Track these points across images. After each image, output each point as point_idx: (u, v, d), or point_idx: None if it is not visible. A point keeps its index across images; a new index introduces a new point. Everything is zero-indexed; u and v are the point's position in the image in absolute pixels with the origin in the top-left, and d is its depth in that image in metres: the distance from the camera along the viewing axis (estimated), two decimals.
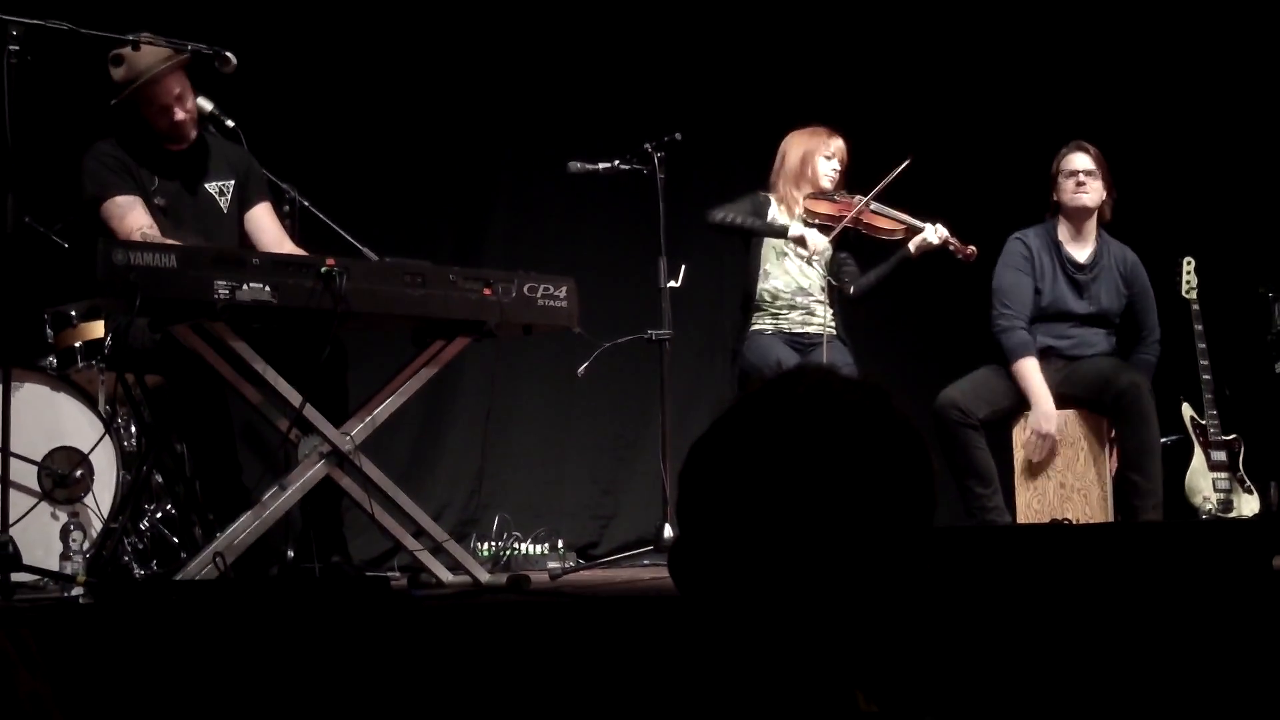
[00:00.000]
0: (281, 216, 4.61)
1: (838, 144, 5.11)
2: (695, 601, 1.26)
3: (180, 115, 4.22)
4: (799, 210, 5.05)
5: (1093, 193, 5.03)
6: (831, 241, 5.00)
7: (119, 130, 4.28)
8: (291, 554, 4.40)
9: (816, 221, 5.02)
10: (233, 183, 4.40)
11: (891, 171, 4.95)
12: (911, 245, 4.99)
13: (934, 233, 4.97)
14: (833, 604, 1.22)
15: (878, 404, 1.25)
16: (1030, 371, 4.95)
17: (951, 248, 4.99)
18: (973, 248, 5.01)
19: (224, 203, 4.38)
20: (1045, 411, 4.93)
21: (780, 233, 4.98)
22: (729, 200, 5.11)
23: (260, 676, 2.53)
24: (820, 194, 5.06)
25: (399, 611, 2.94)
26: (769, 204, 5.10)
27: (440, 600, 3.54)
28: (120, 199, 4.17)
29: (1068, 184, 5.04)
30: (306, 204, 4.73)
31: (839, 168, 5.10)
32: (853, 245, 5.20)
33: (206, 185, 4.36)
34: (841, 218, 4.97)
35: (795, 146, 5.12)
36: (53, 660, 2.51)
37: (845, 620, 1.23)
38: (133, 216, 4.13)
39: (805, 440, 1.22)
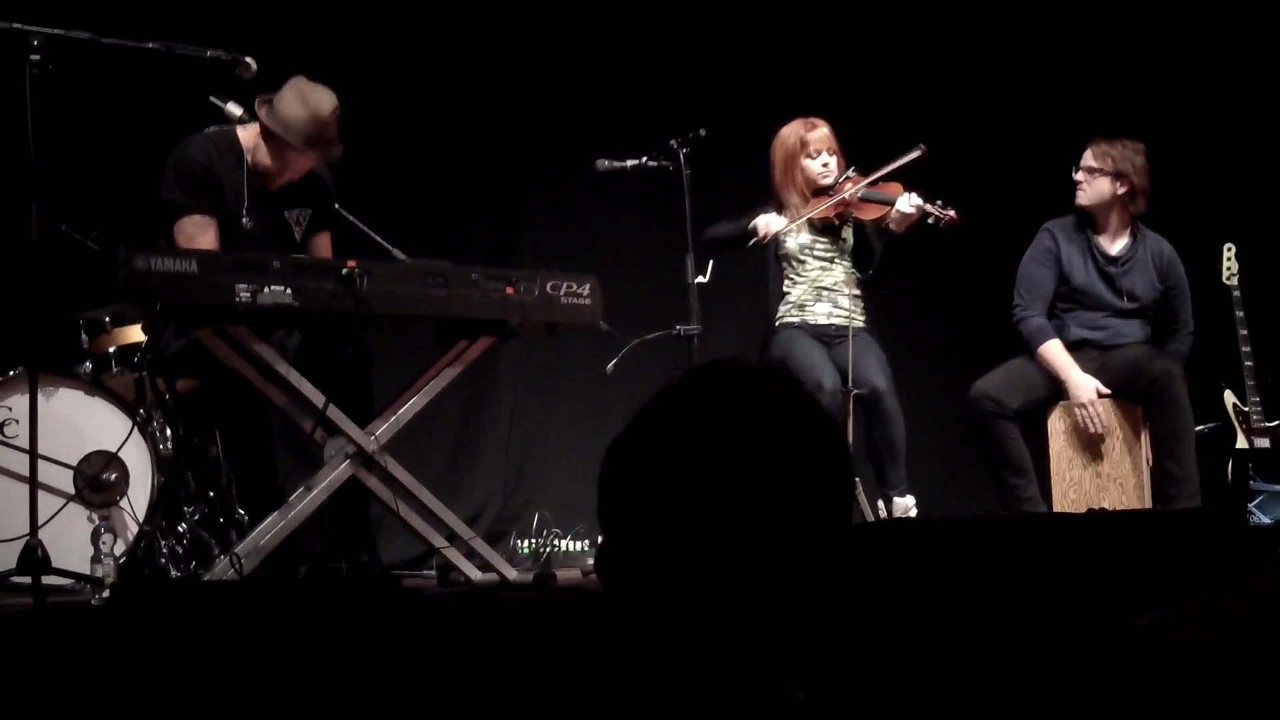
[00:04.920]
0: None
1: (819, 135, 4.94)
2: (624, 601, 1.26)
3: (271, 181, 4.24)
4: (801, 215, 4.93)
5: (1090, 191, 4.96)
6: (837, 223, 4.92)
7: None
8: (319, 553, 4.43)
9: (819, 222, 4.94)
10: (310, 212, 4.40)
11: (897, 160, 4.86)
12: (891, 224, 4.82)
13: (905, 204, 4.76)
14: (753, 593, 1.22)
15: (787, 392, 1.25)
16: (1055, 352, 4.91)
17: (931, 219, 4.79)
18: (952, 212, 4.78)
19: (298, 232, 4.37)
20: (1079, 382, 4.86)
21: (751, 232, 4.88)
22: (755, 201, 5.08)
23: (266, 675, 2.56)
24: (817, 191, 4.94)
25: (407, 610, 2.96)
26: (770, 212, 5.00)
27: (452, 598, 3.55)
28: (197, 218, 4.12)
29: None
30: (337, 207, 4.74)
31: (829, 159, 4.93)
32: None
33: (286, 213, 4.34)
34: (840, 206, 4.88)
35: (778, 153, 4.97)
36: (71, 661, 2.55)
37: (768, 609, 1.22)
38: (201, 239, 4.09)
39: (715, 432, 1.22)
